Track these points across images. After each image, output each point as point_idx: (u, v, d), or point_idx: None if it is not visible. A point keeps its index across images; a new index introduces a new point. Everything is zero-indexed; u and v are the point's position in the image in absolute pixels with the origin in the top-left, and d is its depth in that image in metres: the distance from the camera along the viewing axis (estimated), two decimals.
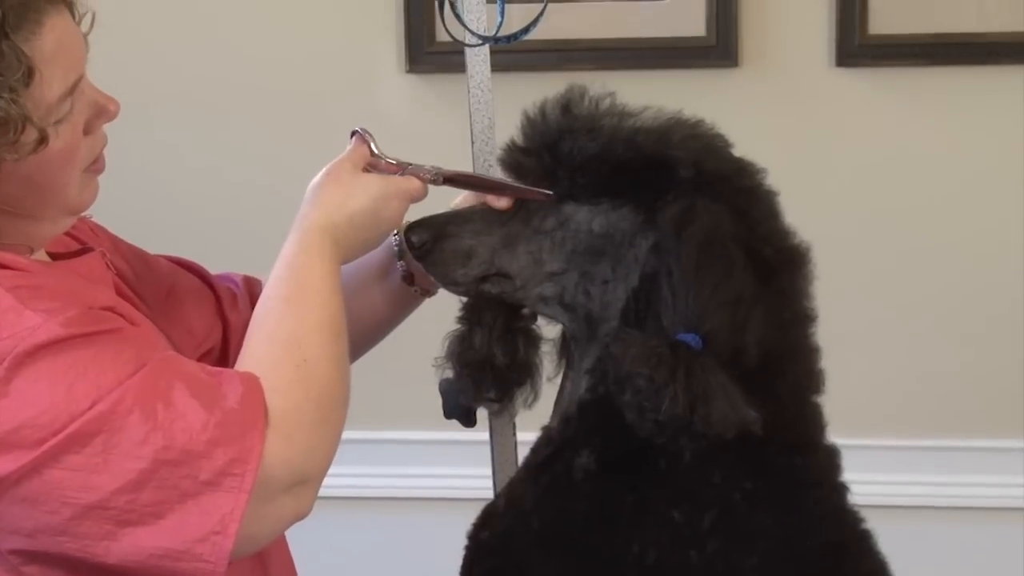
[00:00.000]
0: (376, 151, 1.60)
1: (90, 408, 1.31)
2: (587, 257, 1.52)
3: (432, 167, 1.60)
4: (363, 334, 1.77)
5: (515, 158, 1.57)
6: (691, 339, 1.40)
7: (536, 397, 1.65)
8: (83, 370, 1.33)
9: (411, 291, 1.76)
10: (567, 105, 1.55)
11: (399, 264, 1.74)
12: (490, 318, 1.62)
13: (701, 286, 1.42)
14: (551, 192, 1.53)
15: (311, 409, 1.39)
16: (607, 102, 1.55)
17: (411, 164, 1.60)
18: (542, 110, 1.55)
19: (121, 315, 1.44)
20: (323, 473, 1.42)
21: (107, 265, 1.59)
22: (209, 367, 1.41)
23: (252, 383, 1.37)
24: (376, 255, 1.73)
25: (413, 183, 1.59)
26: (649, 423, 1.39)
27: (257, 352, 1.43)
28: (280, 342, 1.42)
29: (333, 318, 1.46)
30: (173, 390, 1.34)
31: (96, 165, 1.51)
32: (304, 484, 1.39)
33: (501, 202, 1.57)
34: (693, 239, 1.43)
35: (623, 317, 1.48)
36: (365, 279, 1.76)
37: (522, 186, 1.55)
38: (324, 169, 1.57)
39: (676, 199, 1.46)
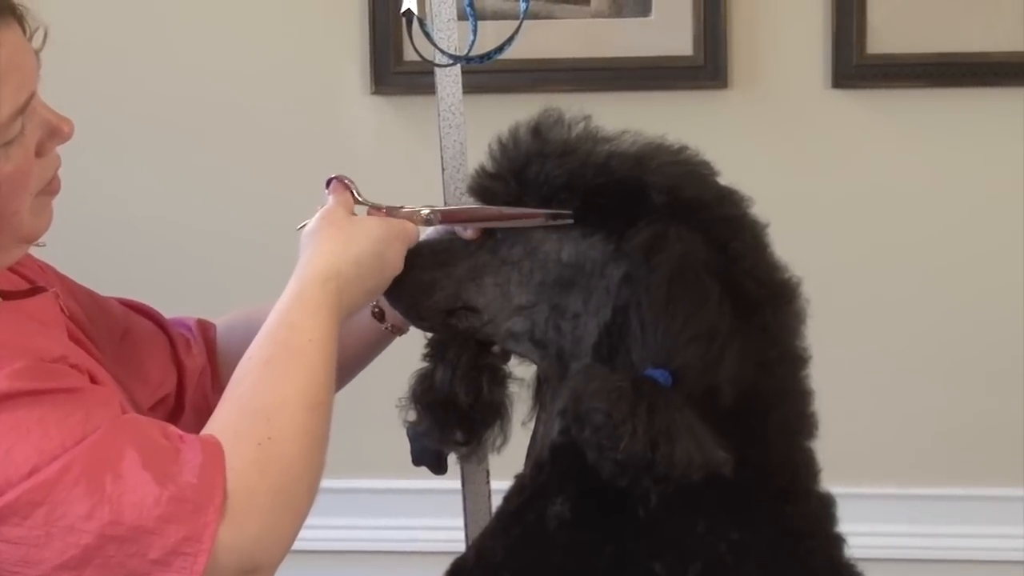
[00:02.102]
0: (360, 197, 1.59)
1: (29, 475, 1.30)
2: (557, 289, 1.53)
3: (426, 207, 1.59)
4: None
5: (482, 184, 1.58)
6: (660, 375, 1.41)
7: (506, 440, 1.65)
8: (26, 432, 1.32)
9: (382, 328, 1.76)
10: (537, 128, 1.56)
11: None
12: (454, 355, 1.62)
13: (671, 319, 1.42)
14: (569, 211, 1.52)
15: (267, 493, 1.36)
16: (581, 126, 1.56)
17: (401, 207, 1.59)
18: (513, 134, 1.56)
19: (74, 365, 1.43)
20: (276, 562, 1.39)
21: (60, 307, 1.58)
22: (171, 429, 1.39)
23: (213, 452, 1.35)
24: None
25: (409, 225, 1.57)
26: (609, 462, 1.39)
27: (223, 419, 1.40)
28: (248, 412, 1.40)
29: (315, 389, 1.43)
30: (124, 460, 1.32)
31: (50, 187, 1.51)
32: (254, 573, 1.37)
33: (468, 232, 1.57)
34: (663, 268, 1.44)
35: (595, 353, 1.49)
36: None
37: (531, 210, 1.54)
38: (317, 216, 1.56)
39: (648, 226, 1.47)
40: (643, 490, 1.41)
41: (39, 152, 1.47)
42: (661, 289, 1.43)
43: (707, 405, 1.41)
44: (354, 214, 1.58)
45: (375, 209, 1.59)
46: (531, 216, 1.53)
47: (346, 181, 1.59)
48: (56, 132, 1.48)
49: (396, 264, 1.55)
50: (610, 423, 1.38)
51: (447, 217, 1.59)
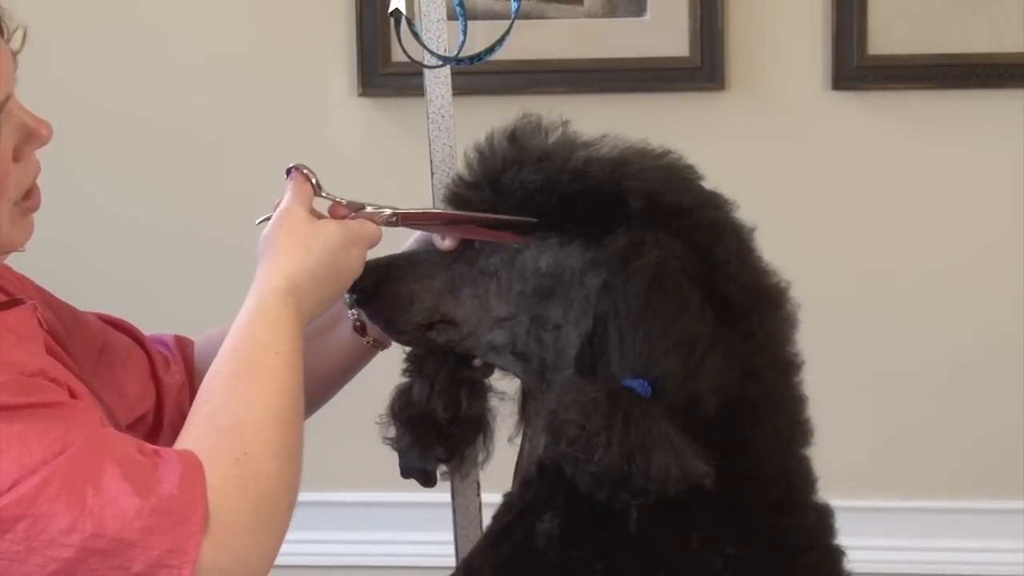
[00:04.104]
0: (323, 191, 1.59)
1: (10, 489, 1.30)
2: (536, 299, 1.53)
3: (388, 208, 1.59)
4: (313, 390, 1.75)
5: (457, 192, 1.58)
6: (638, 385, 1.40)
7: (488, 455, 1.65)
8: (5, 446, 1.32)
9: (363, 342, 1.76)
10: (514, 135, 1.56)
11: (349, 313, 1.74)
12: (431, 369, 1.62)
13: (649, 327, 1.42)
14: (534, 219, 1.53)
15: (248, 512, 1.36)
16: (560, 131, 1.56)
17: (363, 205, 1.59)
18: (489, 141, 1.57)
19: (54, 379, 1.42)
20: None
21: (39, 320, 1.57)
22: (145, 445, 1.39)
23: (191, 464, 1.35)
24: None
25: (369, 227, 1.57)
26: (585, 476, 1.39)
27: (194, 438, 1.39)
28: (220, 429, 1.39)
29: (285, 403, 1.43)
30: (104, 473, 1.32)
31: (30, 201, 1.51)
32: None
33: (446, 242, 1.57)
34: (640, 275, 1.44)
35: (577, 364, 1.48)
36: (314, 330, 1.74)
37: (498, 216, 1.54)
38: (275, 218, 1.55)
39: (625, 233, 1.47)
40: (622, 504, 1.41)
41: (16, 157, 1.47)
42: (638, 297, 1.43)
43: (691, 415, 1.41)
44: (314, 209, 1.57)
45: (337, 205, 1.58)
46: (495, 222, 1.54)
47: (305, 171, 1.59)
48: (34, 135, 1.48)
49: (355, 268, 1.56)
50: (584, 435, 1.38)
51: (408, 219, 1.59)
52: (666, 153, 1.55)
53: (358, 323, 1.74)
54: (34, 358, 1.45)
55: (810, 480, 1.54)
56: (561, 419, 1.40)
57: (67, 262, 2.67)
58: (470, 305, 1.55)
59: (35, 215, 1.54)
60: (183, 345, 1.82)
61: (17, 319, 1.53)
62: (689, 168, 1.55)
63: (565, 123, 1.56)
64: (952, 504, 2.86)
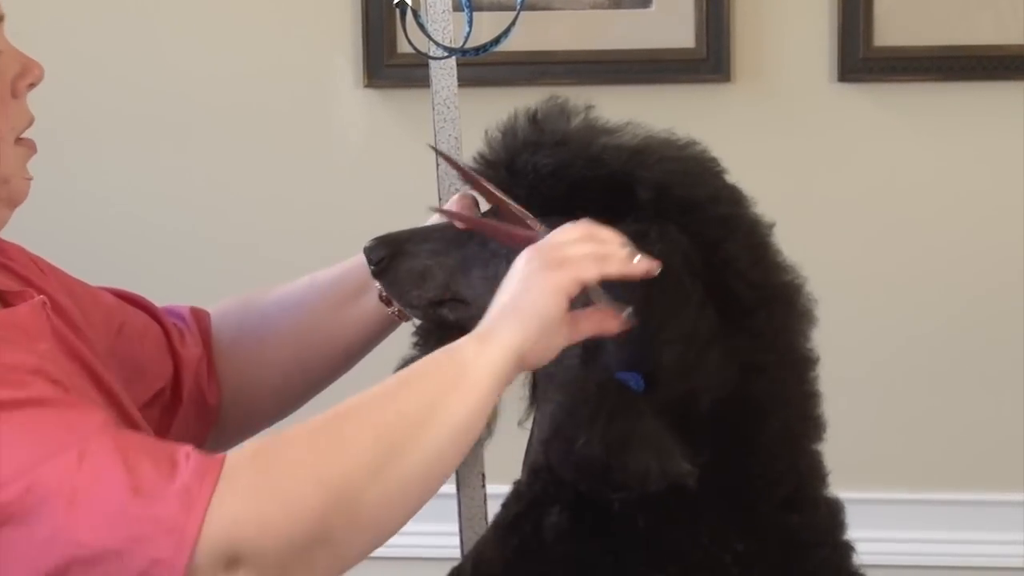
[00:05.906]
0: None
1: None
2: None
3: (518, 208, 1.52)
4: (333, 358, 1.77)
5: (476, 171, 1.57)
6: (631, 378, 1.40)
7: (490, 434, 1.64)
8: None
9: (388, 313, 1.75)
10: (535, 117, 1.55)
11: (377, 283, 1.73)
12: (437, 342, 1.61)
13: (648, 321, 1.41)
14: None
15: (249, 471, 1.30)
16: (583, 116, 1.55)
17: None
18: (511, 122, 1.56)
19: (55, 381, 1.37)
20: (264, 556, 1.30)
21: (47, 316, 1.51)
22: (159, 447, 1.33)
23: (206, 467, 1.29)
24: (354, 272, 1.74)
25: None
26: (568, 466, 1.39)
27: (290, 431, 1.35)
28: (319, 478, 1.33)
29: (378, 453, 1.38)
30: (98, 478, 1.27)
31: (28, 142, 1.50)
32: (237, 564, 1.29)
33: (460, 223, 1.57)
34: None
35: (582, 351, 1.47)
36: (340, 297, 1.75)
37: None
38: (525, 255, 1.44)
39: (631, 224, 1.46)
40: (604, 497, 1.41)
41: (14, 92, 1.46)
42: (638, 290, 1.42)
43: (686, 411, 1.40)
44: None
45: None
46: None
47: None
48: (26, 71, 1.48)
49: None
50: (568, 425, 1.38)
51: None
52: (690, 144, 1.54)
53: (384, 294, 1.73)
54: (32, 358, 1.40)
55: (821, 475, 1.53)
56: (552, 407, 1.40)
57: (70, 258, 2.66)
58: (480, 285, 1.54)
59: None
60: (200, 317, 1.80)
61: (25, 316, 1.49)
62: (712, 161, 1.53)
63: (588, 108, 1.55)
64: (958, 496, 2.86)
